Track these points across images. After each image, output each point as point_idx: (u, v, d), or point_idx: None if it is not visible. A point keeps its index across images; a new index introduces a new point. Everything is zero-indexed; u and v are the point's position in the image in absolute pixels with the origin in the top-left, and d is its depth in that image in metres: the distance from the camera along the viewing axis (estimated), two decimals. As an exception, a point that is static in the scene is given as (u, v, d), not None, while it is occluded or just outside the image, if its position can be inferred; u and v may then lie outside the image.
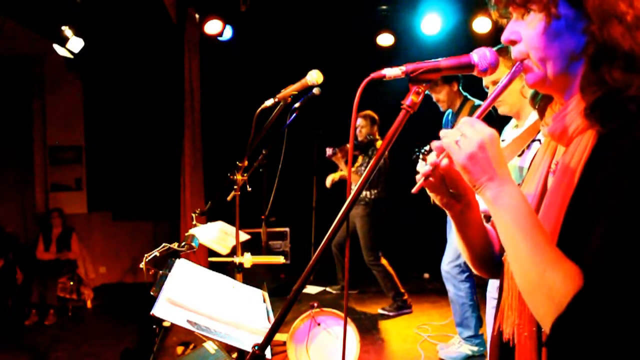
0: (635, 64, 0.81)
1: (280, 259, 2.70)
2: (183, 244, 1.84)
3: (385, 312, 4.84)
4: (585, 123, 0.86)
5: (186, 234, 2.14)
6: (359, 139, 4.96)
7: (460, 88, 3.72)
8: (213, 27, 5.20)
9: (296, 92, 2.22)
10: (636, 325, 0.73)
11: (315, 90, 2.33)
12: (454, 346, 3.79)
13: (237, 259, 2.40)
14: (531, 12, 0.88)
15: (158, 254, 1.68)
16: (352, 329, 3.19)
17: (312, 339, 3.17)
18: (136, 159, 6.17)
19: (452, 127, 4.12)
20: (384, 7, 5.42)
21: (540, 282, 0.79)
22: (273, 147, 2.73)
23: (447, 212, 1.03)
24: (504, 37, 0.94)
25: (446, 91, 3.69)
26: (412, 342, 4.18)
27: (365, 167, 4.88)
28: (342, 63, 5.17)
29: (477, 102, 3.63)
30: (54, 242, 5.58)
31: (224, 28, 5.22)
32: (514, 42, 0.92)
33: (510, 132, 2.36)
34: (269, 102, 2.25)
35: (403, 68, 0.93)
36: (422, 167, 0.94)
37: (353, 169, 4.97)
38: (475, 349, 3.68)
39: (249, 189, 2.46)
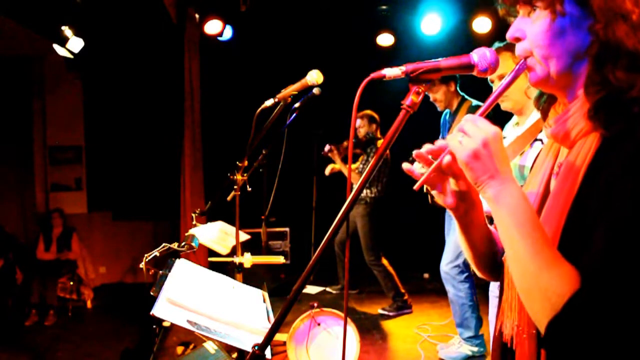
0: (638, 64, 0.80)
1: (280, 259, 2.70)
2: (183, 244, 1.84)
3: (385, 312, 4.84)
4: (589, 125, 0.85)
5: (186, 234, 2.14)
6: (359, 138, 4.96)
7: (458, 88, 3.73)
8: (213, 27, 5.20)
9: (296, 92, 2.22)
10: (632, 328, 0.72)
11: (315, 90, 2.33)
12: (454, 346, 3.79)
13: (237, 259, 2.40)
14: (537, 9, 0.88)
15: (158, 254, 1.68)
16: (352, 329, 3.19)
17: (312, 339, 3.17)
18: (136, 159, 6.17)
19: (449, 127, 4.10)
20: (384, 7, 5.42)
21: (536, 282, 0.78)
22: (273, 147, 2.73)
23: (451, 212, 1.03)
24: (509, 34, 0.93)
25: (443, 91, 3.69)
26: (412, 342, 4.18)
27: (364, 167, 4.88)
28: (342, 63, 5.17)
29: (474, 102, 3.62)
30: (55, 242, 5.58)
31: (224, 28, 5.22)
32: (518, 40, 0.92)
33: (512, 130, 2.36)
34: (269, 102, 2.25)
35: (403, 68, 0.93)
36: (419, 168, 0.94)
37: (354, 169, 4.97)
38: (475, 349, 3.68)
39: (249, 189, 2.46)
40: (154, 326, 3.14)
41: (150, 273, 1.62)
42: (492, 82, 2.32)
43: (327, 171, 5.18)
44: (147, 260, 1.64)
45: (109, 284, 6.37)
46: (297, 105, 2.40)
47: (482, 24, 5.03)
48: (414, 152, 0.93)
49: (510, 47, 1.37)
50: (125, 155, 6.23)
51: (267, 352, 0.95)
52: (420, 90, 0.93)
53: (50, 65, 6.03)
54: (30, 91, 6.20)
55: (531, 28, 0.89)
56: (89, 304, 5.57)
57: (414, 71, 0.93)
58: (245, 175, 2.44)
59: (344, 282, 5.24)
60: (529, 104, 2.12)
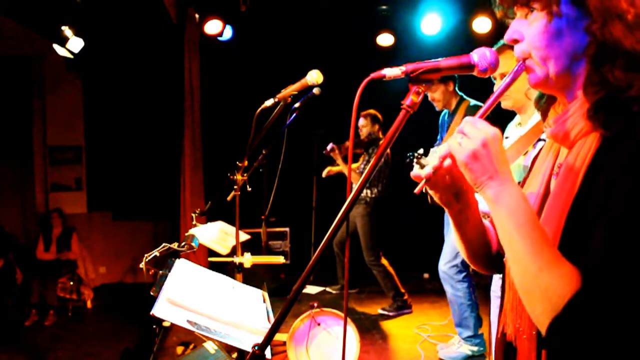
0: (636, 63, 0.80)
1: (280, 259, 2.69)
2: (183, 244, 1.84)
3: (385, 312, 4.84)
4: (589, 126, 0.85)
5: (186, 234, 2.14)
6: (361, 138, 4.95)
7: (457, 88, 3.72)
8: (213, 27, 5.20)
9: (296, 92, 2.22)
10: (633, 328, 0.72)
11: (315, 90, 2.33)
12: (454, 346, 3.79)
13: (237, 259, 2.40)
14: (534, 10, 0.88)
15: (158, 254, 1.68)
16: (352, 329, 3.19)
17: (312, 339, 3.17)
18: (136, 159, 6.17)
19: (448, 127, 4.08)
20: (384, 7, 5.42)
21: (537, 282, 0.78)
22: (273, 147, 2.73)
23: (446, 210, 1.04)
24: (506, 37, 0.93)
25: (441, 90, 3.68)
26: (412, 342, 4.18)
27: (365, 167, 4.88)
28: (342, 63, 5.17)
29: (472, 102, 3.62)
30: (54, 242, 5.58)
31: (224, 28, 5.22)
32: (516, 41, 0.92)
33: (514, 130, 2.35)
34: (269, 102, 2.25)
35: (403, 68, 0.93)
36: (419, 170, 0.94)
37: (354, 169, 4.97)
38: (475, 348, 3.68)
39: (249, 189, 2.46)
40: (154, 326, 3.15)
41: (150, 273, 1.62)
42: (495, 79, 2.31)
43: (324, 174, 5.17)
44: (147, 260, 1.64)
45: (109, 284, 6.37)
46: (297, 105, 2.40)
47: (482, 24, 5.04)
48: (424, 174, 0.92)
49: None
50: (125, 155, 6.23)
51: (267, 352, 0.95)
52: (420, 90, 0.93)
53: (50, 65, 6.03)
54: (30, 91, 6.20)
55: (528, 30, 0.89)
56: (89, 304, 5.57)
57: (414, 71, 0.93)
58: (245, 175, 2.44)
59: (344, 282, 5.25)
60: (530, 102, 2.11)
